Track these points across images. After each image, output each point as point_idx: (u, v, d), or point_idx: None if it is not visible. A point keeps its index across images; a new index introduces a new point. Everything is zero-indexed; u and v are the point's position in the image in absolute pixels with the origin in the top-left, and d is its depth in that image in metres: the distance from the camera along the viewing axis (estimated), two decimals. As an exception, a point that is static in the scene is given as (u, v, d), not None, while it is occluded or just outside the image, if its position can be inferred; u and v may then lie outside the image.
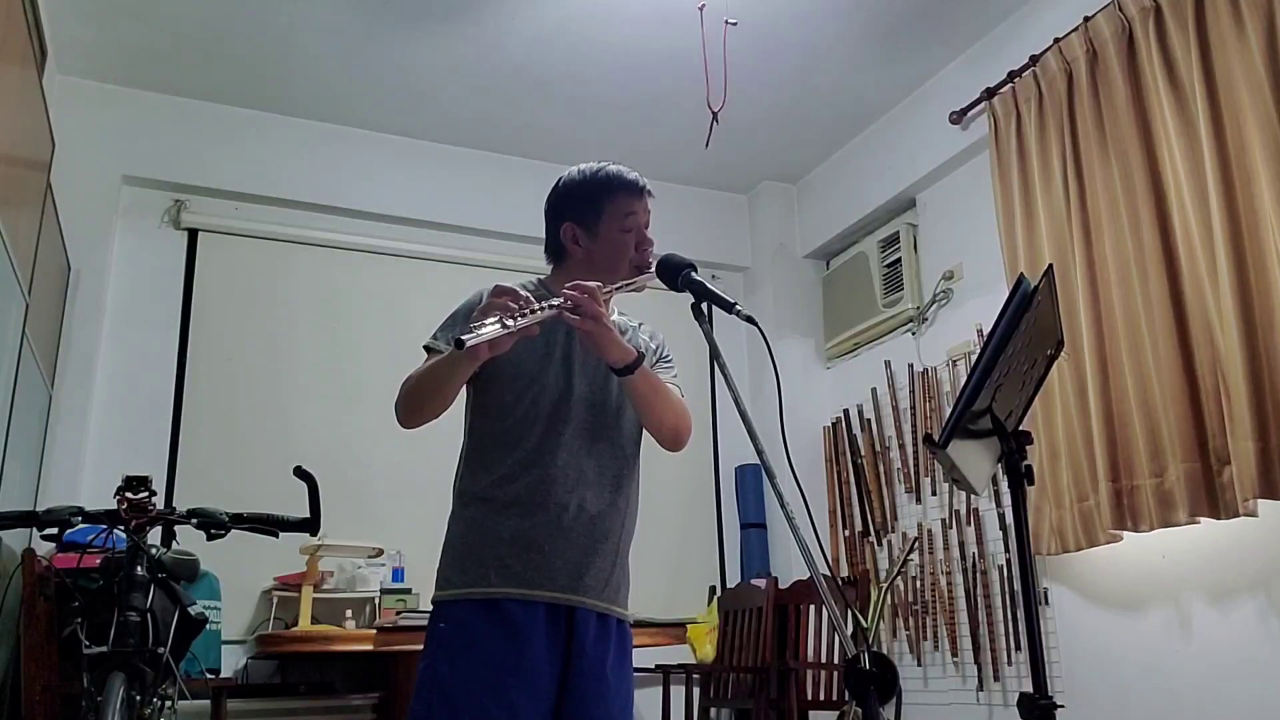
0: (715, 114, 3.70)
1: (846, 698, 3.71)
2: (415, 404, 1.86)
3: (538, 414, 1.90)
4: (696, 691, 4.13)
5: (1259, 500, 2.83)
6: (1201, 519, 3.01)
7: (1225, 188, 2.99)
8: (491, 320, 1.63)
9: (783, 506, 1.54)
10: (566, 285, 1.78)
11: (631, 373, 1.84)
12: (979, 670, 3.89)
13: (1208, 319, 3.02)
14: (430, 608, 1.90)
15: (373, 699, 4.01)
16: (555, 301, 1.73)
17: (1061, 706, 1.57)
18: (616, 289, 1.88)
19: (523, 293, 1.73)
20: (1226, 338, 2.92)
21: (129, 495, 2.46)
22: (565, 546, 1.86)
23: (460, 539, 1.89)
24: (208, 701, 3.43)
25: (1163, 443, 3.09)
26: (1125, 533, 3.24)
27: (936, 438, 1.59)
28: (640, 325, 2.10)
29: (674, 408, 1.95)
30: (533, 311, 1.68)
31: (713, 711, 4.17)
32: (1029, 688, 1.60)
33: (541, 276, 2.07)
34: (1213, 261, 3.00)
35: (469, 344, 1.58)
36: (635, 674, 4.36)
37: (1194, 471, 3.01)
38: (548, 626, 1.83)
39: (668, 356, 2.09)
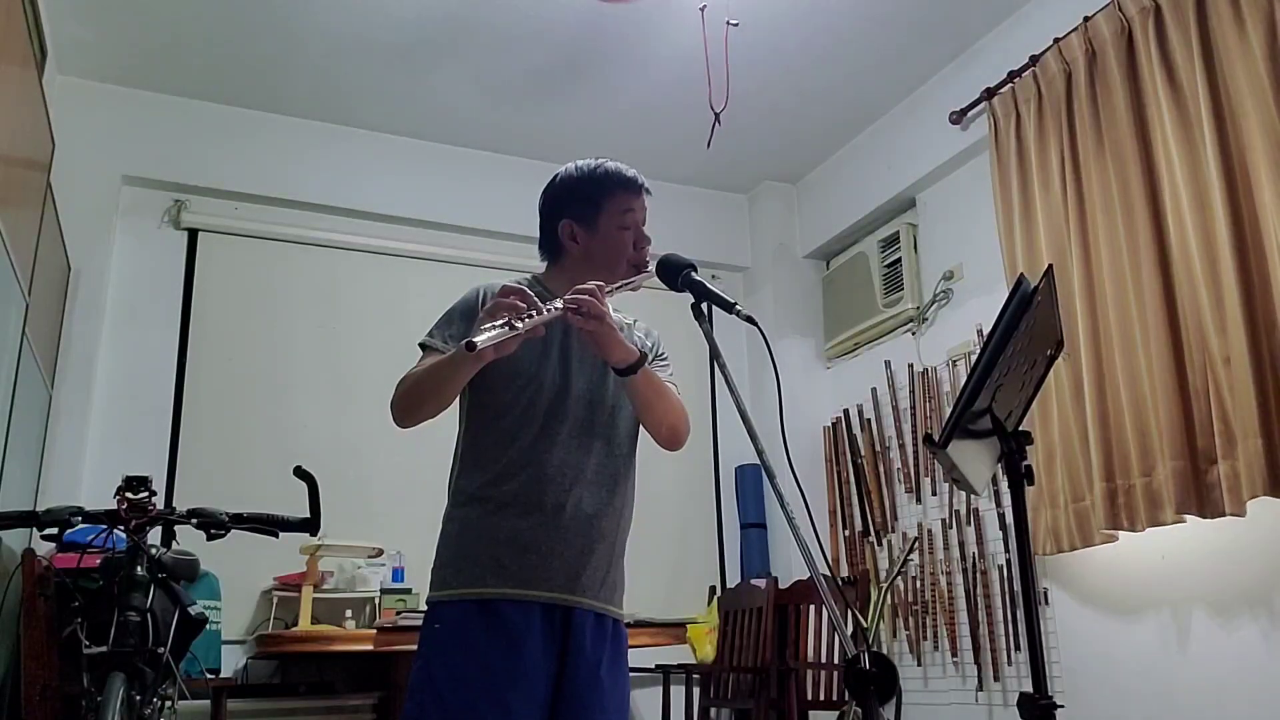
0: (717, 115, 3.70)
1: (846, 698, 3.71)
2: (414, 404, 1.85)
3: (534, 412, 1.89)
4: (696, 691, 4.13)
5: (1265, 498, 2.82)
6: (1189, 517, 3.02)
7: (1227, 188, 2.99)
8: (500, 322, 1.63)
9: (783, 506, 1.54)
10: (571, 290, 1.77)
11: (634, 373, 1.83)
12: (979, 670, 3.89)
13: (1201, 319, 3.02)
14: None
15: (373, 699, 4.01)
16: (559, 303, 1.73)
17: (1061, 706, 1.57)
18: (616, 289, 1.87)
19: (529, 293, 1.72)
20: (1230, 337, 2.92)
21: (129, 495, 2.46)
22: (562, 546, 1.85)
23: (456, 539, 1.88)
24: (208, 701, 3.43)
25: (1152, 442, 3.11)
26: (1120, 532, 3.25)
27: (936, 438, 1.59)
28: (635, 322, 2.09)
29: (673, 408, 1.95)
30: (539, 313, 1.68)
31: (713, 711, 4.17)
32: (1029, 688, 1.60)
33: (536, 274, 2.06)
34: (1211, 261, 3.00)
35: (480, 345, 1.57)
36: (635, 674, 4.36)
37: (1182, 470, 3.02)
38: (543, 627, 1.82)
39: (663, 355, 2.08)
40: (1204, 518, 2.99)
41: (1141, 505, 3.12)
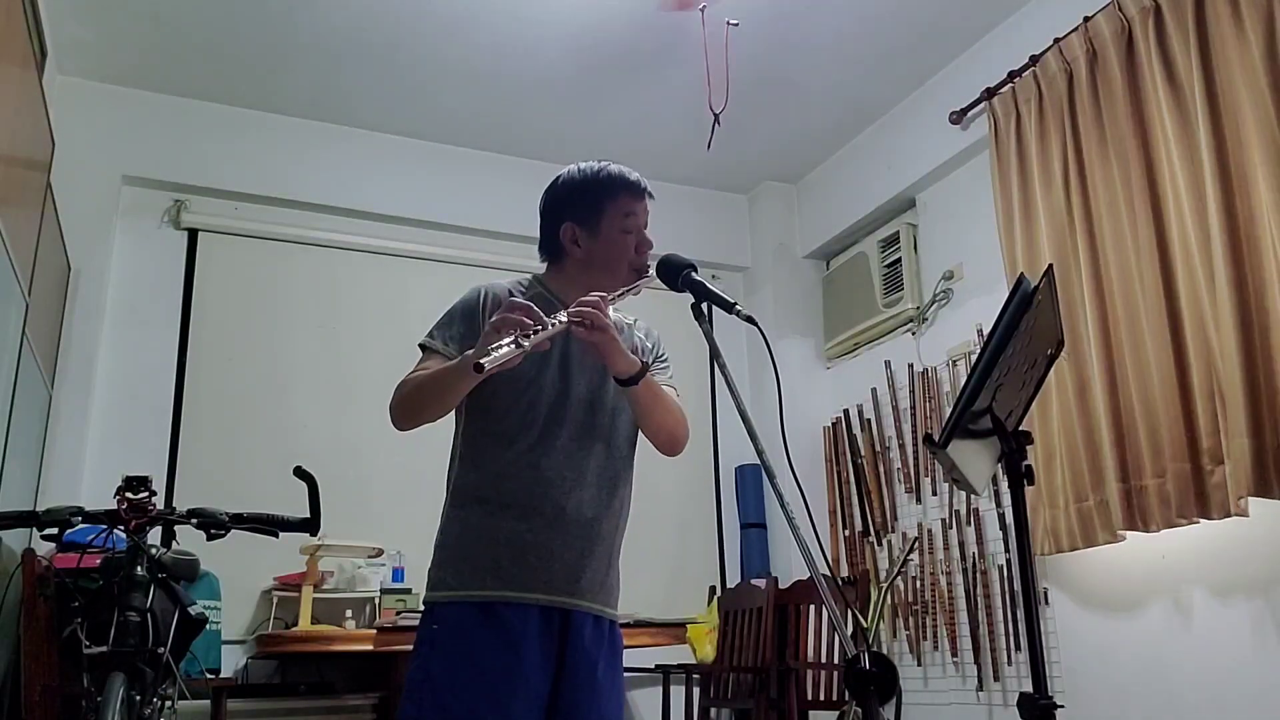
0: (717, 116, 3.70)
1: (846, 698, 3.71)
2: (414, 409, 1.84)
3: (535, 415, 1.89)
4: (696, 691, 4.13)
5: (1252, 499, 2.83)
6: (1193, 519, 3.02)
7: (1223, 187, 2.99)
8: (507, 340, 1.62)
9: (783, 506, 1.54)
10: (575, 302, 1.76)
11: (635, 383, 1.83)
12: (979, 670, 3.89)
13: (1201, 319, 3.03)
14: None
15: (373, 699, 4.01)
16: (563, 317, 1.73)
17: (1061, 706, 1.57)
18: (618, 297, 1.87)
19: (535, 308, 1.71)
20: (1222, 336, 2.93)
21: (129, 495, 2.46)
22: (562, 549, 1.85)
23: (455, 540, 1.87)
24: (208, 701, 3.43)
25: (1162, 443, 3.10)
26: (1130, 533, 3.23)
27: (936, 438, 1.59)
28: (635, 322, 2.09)
29: (673, 414, 1.95)
30: (545, 328, 1.67)
31: (713, 711, 4.17)
32: (1029, 688, 1.60)
33: (537, 275, 2.05)
34: (1209, 260, 3.01)
35: (489, 368, 1.57)
36: (635, 674, 4.36)
37: (1184, 471, 3.02)
38: (542, 630, 1.82)
39: (663, 356, 2.08)
40: (1208, 519, 2.99)
41: (1155, 506, 3.11)
